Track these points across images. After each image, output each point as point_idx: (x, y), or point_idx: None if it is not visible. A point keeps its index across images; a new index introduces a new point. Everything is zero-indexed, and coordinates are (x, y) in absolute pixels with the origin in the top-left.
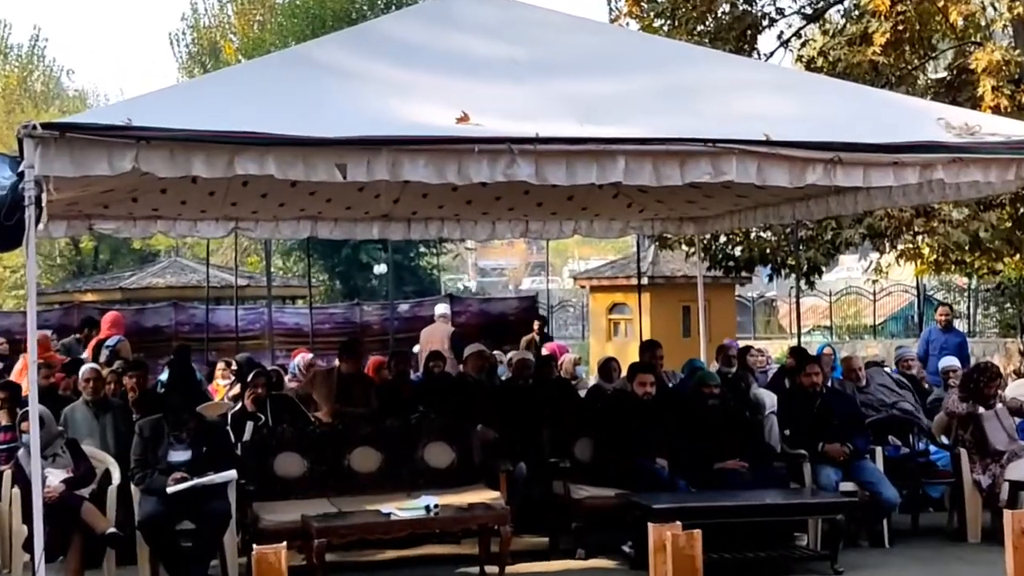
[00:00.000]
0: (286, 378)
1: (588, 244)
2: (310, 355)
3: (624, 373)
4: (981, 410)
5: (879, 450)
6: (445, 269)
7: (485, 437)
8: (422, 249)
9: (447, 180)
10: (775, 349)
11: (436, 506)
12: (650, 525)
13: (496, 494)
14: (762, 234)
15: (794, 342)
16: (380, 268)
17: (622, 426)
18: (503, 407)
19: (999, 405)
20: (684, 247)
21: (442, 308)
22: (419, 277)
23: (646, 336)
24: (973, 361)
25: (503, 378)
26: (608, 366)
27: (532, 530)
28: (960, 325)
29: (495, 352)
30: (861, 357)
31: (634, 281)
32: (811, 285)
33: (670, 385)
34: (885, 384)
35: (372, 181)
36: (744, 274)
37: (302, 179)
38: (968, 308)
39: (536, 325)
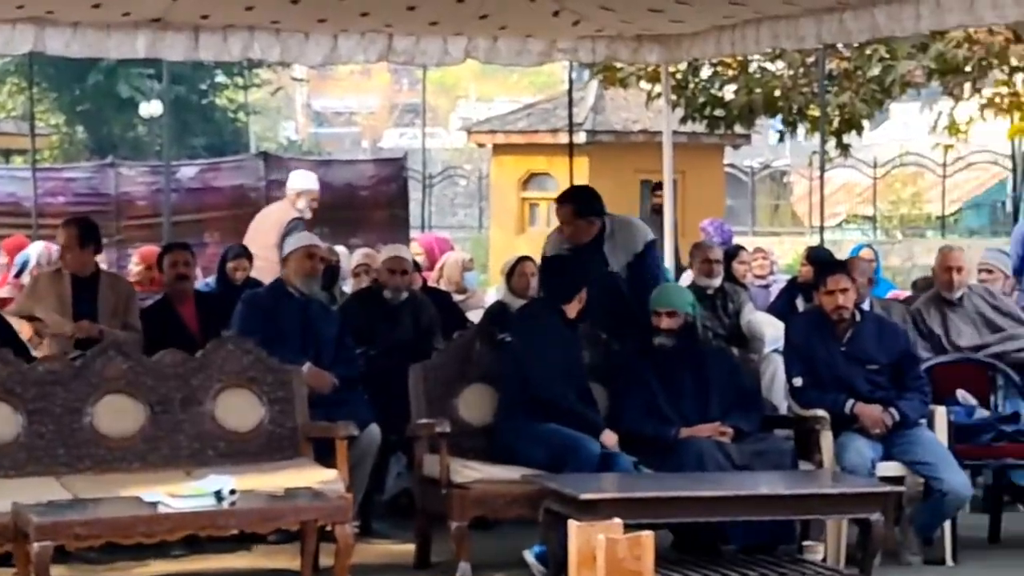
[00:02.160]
0: None
1: (491, 77)
2: (50, 247)
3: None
4: None
5: (942, 413)
6: (258, 112)
7: (317, 382)
8: (220, 79)
9: None
10: (786, 250)
11: (232, 491)
12: (572, 524)
13: (331, 473)
14: (769, 66)
15: (814, 240)
16: (150, 108)
17: (535, 368)
18: (351, 336)
19: None
20: (645, 85)
21: (302, 179)
22: (215, 124)
23: None
24: None
25: (346, 290)
26: (519, 271)
27: (392, 530)
28: None
29: (336, 248)
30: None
31: (563, 138)
32: (845, 151)
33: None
34: (989, 306)
35: None
36: (740, 131)
37: None
38: None
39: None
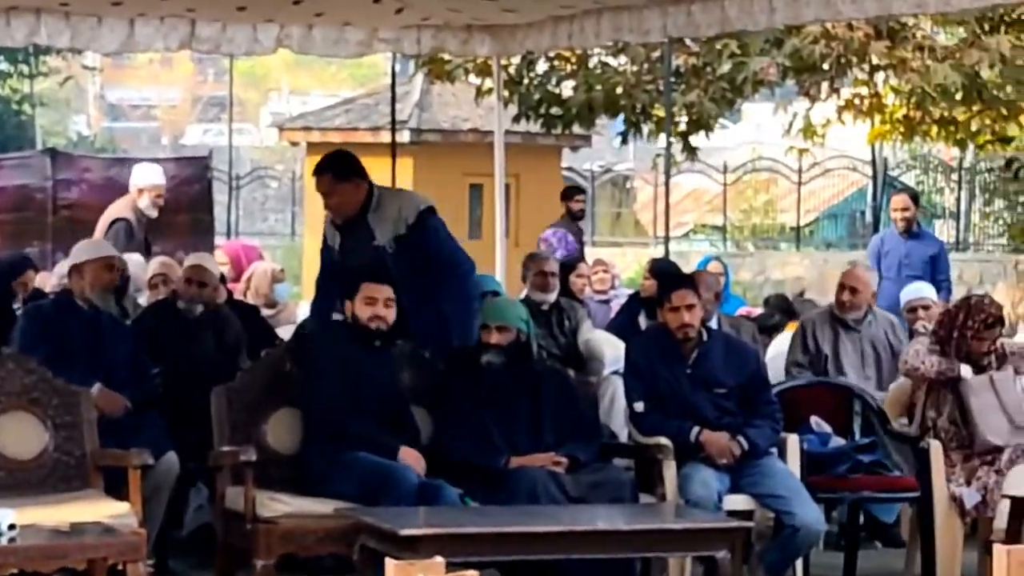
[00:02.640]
0: None
1: (305, 69)
2: None
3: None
4: (967, 373)
5: (794, 441)
6: (45, 104)
7: (107, 405)
8: (2, 66)
9: None
10: (628, 262)
11: (12, 526)
12: (391, 563)
13: (122, 506)
14: (611, 62)
15: (659, 251)
16: None
17: (352, 391)
18: (146, 354)
19: (1001, 370)
20: (475, 79)
21: (144, 173)
22: None
23: None
24: (960, 292)
25: (141, 302)
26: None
27: (190, 570)
28: (944, 230)
29: (127, 256)
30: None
31: (385, 137)
32: (693, 154)
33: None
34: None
35: None
36: (579, 131)
37: None
38: (957, 201)
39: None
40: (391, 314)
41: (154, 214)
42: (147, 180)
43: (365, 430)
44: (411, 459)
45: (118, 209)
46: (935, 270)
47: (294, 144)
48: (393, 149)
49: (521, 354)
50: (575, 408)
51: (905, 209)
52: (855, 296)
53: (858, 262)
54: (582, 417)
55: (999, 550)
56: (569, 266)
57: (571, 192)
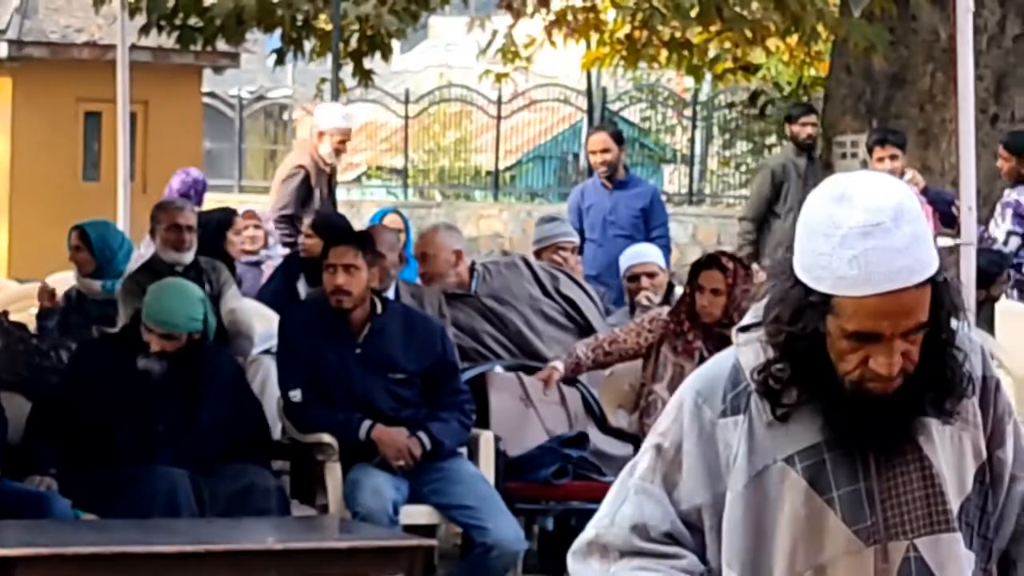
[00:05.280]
0: None
1: None
2: None
3: None
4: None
5: (488, 438)
6: None
7: None
8: None
9: None
10: None
11: None
12: None
13: None
14: None
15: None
16: None
17: None
18: None
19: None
20: None
21: (326, 116)
22: None
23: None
24: (695, 253)
25: None
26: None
27: None
28: (675, 177)
29: None
30: (462, 237)
31: None
32: (367, 79)
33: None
34: (524, 295)
35: None
36: (224, 48)
37: None
38: (691, 142)
39: None
40: None
41: (335, 162)
42: (329, 123)
43: None
44: None
45: (297, 155)
46: (648, 226)
47: None
48: None
49: (190, 357)
50: (201, 395)
51: (605, 151)
52: (426, 265)
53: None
54: (205, 406)
55: None
56: (226, 222)
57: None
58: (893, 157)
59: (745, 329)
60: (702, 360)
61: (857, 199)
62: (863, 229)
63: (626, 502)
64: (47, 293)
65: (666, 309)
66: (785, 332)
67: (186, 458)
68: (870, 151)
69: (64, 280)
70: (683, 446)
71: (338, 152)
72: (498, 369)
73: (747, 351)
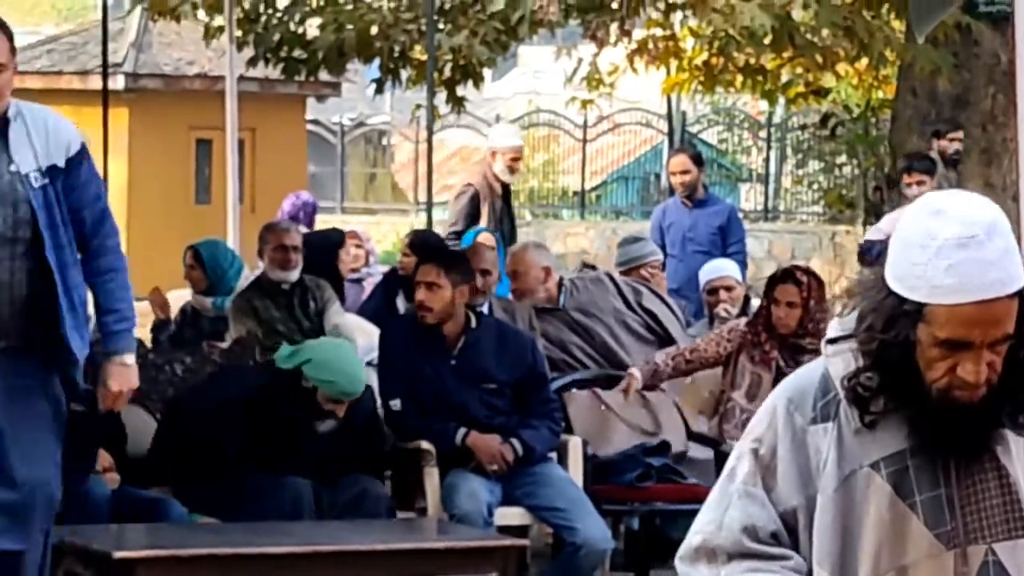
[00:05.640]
0: None
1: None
2: None
3: None
4: (783, 367)
5: (576, 444)
6: None
7: None
8: None
9: None
10: (384, 233)
11: None
12: None
13: None
14: None
15: (420, 220)
16: None
17: None
18: None
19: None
20: (203, 16)
21: (500, 135)
22: None
23: (120, 198)
24: (770, 268)
25: None
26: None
27: None
28: (750, 196)
29: None
30: (550, 254)
31: (95, 83)
32: (459, 106)
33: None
34: (609, 308)
35: None
36: (326, 78)
37: None
38: (765, 162)
39: None
40: None
41: (509, 179)
42: (502, 142)
43: None
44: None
45: (470, 174)
46: (726, 242)
47: None
48: (105, 97)
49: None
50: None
51: (685, 172)
52: (517, 281)
53: (643, 237)
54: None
55: None
56: (338, 242)
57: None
58: (920, 183)
59: (833, 341)
60: (778, 369)
61: (953, 213)
62: (959, 241)
63: (731, 507)
64: (159, 300)
65: (743, 320)
66: (878, 340)
67: (311, 470)
68: (901, 176)
69: (179, 297)
70: (777, 451)
71: (511, 170)
72: (573, 390)
73: (837, 361)
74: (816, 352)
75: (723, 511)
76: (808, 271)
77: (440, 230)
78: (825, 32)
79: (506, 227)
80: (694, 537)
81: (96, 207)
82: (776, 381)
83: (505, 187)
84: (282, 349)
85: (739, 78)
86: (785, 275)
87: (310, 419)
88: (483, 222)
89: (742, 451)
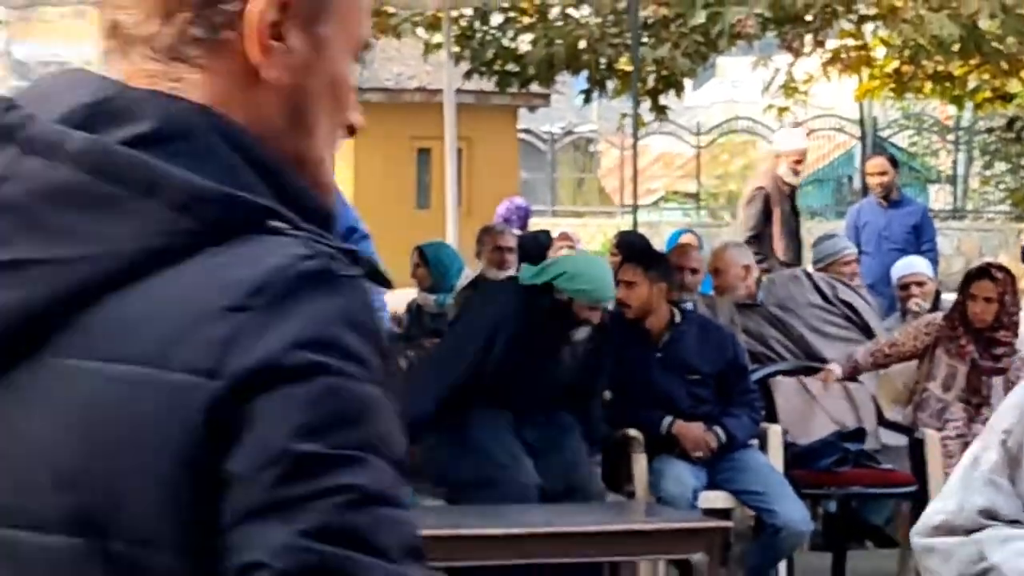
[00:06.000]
0: None
1: None
2: None
3: None
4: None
5: (776, 432)
6: None
7: None
8: None
9: None
10: (592, 234)
11: None
12: None
13: None
14: (572, 13)
15: (626, 222)
16: None
17: None
18: None
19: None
20: (422, 33)
21: (784, 138)
22: None
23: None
24: (958, 265)
25: None
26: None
27: None
28: (940, 196)
29: None
30: (749, 253)
31: None
32: (662, 114)
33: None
34: (806, 303)
35: None
36: (537, 90)
37: None
38: (954, 164)
39: None
40: None
41: (795, 181)
42: (786, 145)
43: None
44: None
45: (758, 178)
46: (919, 240)
47: None
48: None
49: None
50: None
51: (882, 173)
52: (719, 279)
53: (837, 234)
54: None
55: None
56: (545, 242)
57: None
58: None
59: None
60: (973, 362)
61: None
62: None
63: (975, 492)
64: None
65: (940, 314)
66: None
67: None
68: None
69: (401, 296)
70: None
71: (795, 172)
72: (780, 378)
73: None
74: (1010, 345)
75: (965, 495)
76: (1003, 268)
77: (645, 232)
78: (1010, 40)
79: (792, 226)
80: (934, 517)
81: None
82: (971, 373)
83: (792, 189)
84: (524, 269)
85: (928, 85)
86: (981, 272)
87: (567, 329)
88: (775, 223)
89: (988, 442)
